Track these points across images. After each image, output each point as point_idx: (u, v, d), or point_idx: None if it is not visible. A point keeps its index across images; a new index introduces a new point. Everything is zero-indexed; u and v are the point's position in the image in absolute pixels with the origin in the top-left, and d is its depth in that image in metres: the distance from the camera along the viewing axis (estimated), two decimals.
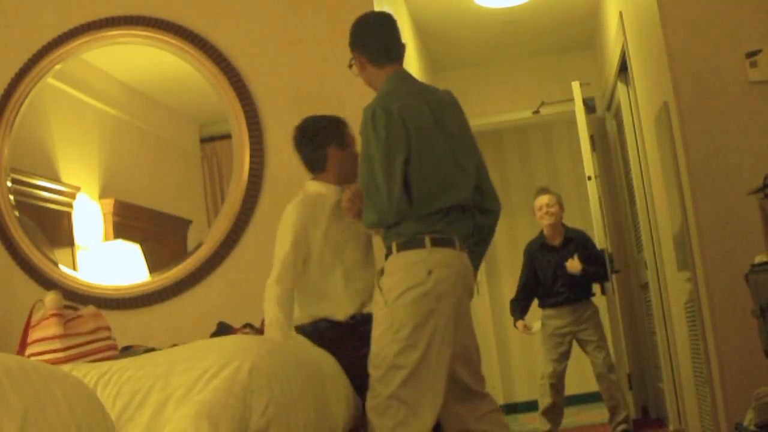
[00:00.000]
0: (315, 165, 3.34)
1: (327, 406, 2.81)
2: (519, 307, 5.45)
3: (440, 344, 2.89)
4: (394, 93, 3.02)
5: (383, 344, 2.91)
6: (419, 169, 2.94)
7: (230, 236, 4.01)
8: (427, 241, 2.91)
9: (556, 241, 5.41)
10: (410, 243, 2.92)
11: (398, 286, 2.90)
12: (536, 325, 5.39)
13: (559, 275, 5.31)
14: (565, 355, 5.35)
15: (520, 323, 5.39)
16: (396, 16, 4.91)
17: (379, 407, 2.90)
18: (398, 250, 2.94)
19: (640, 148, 5.01)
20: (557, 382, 5.30)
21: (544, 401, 5.31)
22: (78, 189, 4.15)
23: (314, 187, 3.32)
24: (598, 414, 6.47)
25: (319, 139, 3.33)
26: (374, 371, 2.93)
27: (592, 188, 5.85)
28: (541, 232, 5.51)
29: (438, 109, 3.04)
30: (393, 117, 2.93)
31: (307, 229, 3.21)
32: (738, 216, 3.57)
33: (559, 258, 5.34)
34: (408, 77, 3.14)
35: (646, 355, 6.27)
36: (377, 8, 4.08)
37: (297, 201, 3.28)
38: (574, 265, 5.26)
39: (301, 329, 3.23)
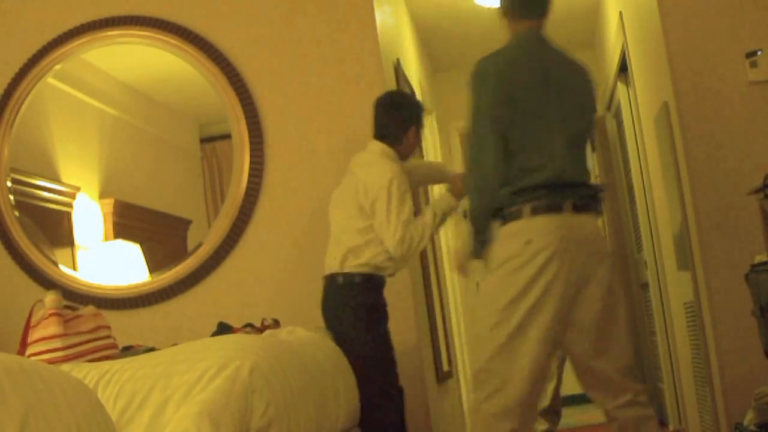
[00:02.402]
0: (394, 135, 3.41)
1: (327, 405, 2.81)
2: None
3: (543, 316, 2.70)
4: (509, 51, 2.90)
5: (480, 316, 2.82)
6: (525, 137, 2.79)
7: (230, 236, 4.00)
8: (526, 210, 2.76)
9: None
10: (509, 214, 2.78)
11: (496, 258, 2.79)
12: None
13: None
14: (563, 357, 5.35)
15: None
16: (396, 16, 4.93)
17: (474, 380, 2.81)
18: (501, 221, 2.82)
19: (640, 148, 5.01)
20: (555, 383, 5.31)
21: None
22: (78, 189, 4.14)
23: (390, 151, 3.39)
24: (598, 414, 6.46)
25: (410, 115, 3.44)
26: (473, 343, 2.87)
27: None
28: None
29: (556, 78, 2.86)
30: (503, 75, 2.81)
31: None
32: (738, 216, 3.57)
33: None
34: (535, 38, 2.97)
35: (646, 355, 6.27)
36: (377, 8, 4.09)
37: (389, 165, 3.31)
38: None
39: (357, 276, 3.28)
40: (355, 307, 3.26)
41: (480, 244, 2.88)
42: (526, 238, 2.73)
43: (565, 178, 2.81)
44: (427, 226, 3.28)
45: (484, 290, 2.88)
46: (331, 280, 3.32)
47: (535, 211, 2.75)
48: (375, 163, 3.32)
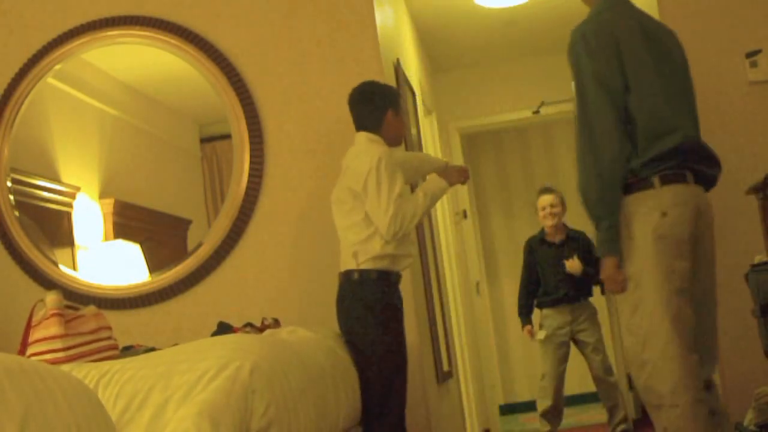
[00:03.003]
0: (370, 124, 3.40)
1: (327, 405, 2.81)
2: (525, 308, 5.48)
3: (688, 292, 2.63)
4: (606, 13, 2.76)
5: (632, 309, 2.66)
6: (646, 99, 2.65)
7: (230, 236, 4.00)
8: (655, 180, 2.63)
9: (557, 238, 5.44)
10: (634, 185, 2.65)
11: (632, 238, 2.64)
12: (540, 334, 5.41)
13: (557, 271, 5.33)
14: (564, 357, 5.37)
15: (527, 328, 5.42)
16: (396, 17, 4.93)
17: (642, 383, 2.64)
18: (624, 194, 2.66)
19: None
20: (557, 384, 5.31)
21: (544, 403, 5.32)
22: (78, 189, 4.14)
23: (374, 137, 3.38)
24: (598, 414, 6.47)
25: (380, 100, 3.41)
26: (631, 340, 2.67)
27: None
28: (542, 229, 5.54)
29: (655, 37, 2.75)
30: (605, 37, 2.66)
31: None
32: (738, 216, 3.57)
33: (558, 254, 5.37)
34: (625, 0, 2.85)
35: None
36: (377, 8, 4.09)
37: (376, 148, 3.30)
38: (573, 265, 5.26)
39: (371, 273, 3.26)
40: (369, 303, 3.24)
41: (612, 230, 2.66)
42: (661, 209, 2.62)
43: (696, 141, 2.72)
44: (419, 206, 3.26)
45: (632, 273, 2.66)
46: (346, 277, 3.31)
47: (664, 181, 2.64)
48: (363, 150, 3.33)
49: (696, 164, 2.71)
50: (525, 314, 5.47)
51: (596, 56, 2.66)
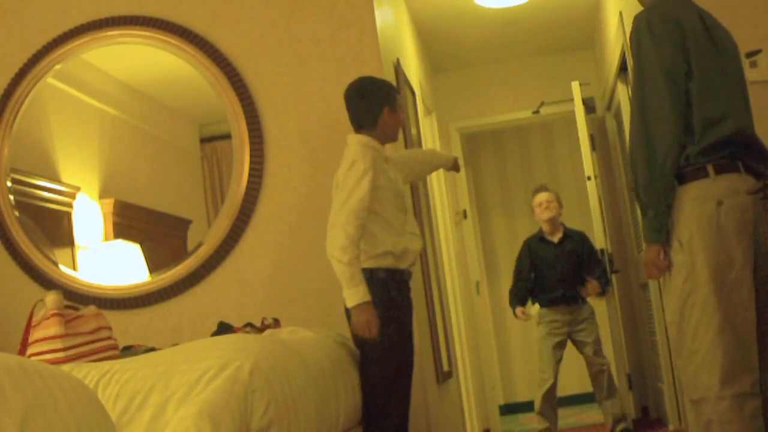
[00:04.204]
0: (366, 121, 3.35)
1: (327, 405, 2.81)
2: (517, 296, 5.50)
3: (748, 286, 2.58)
4: (668, 1, 2.74)
5: (682, 299, 2.61)
6: (704, 87, 2.64)
7: (230, 236, 4.01)
8: (710, 169, 2.60)
9: (555, 237, 5.47)
10: (689, 174, 2.61)
11: (686, 227, 2.60)
12: (534, 309, 5.43)
13: (556, 270, 5.37)
14: (560, 356, 5.40)
15: (519, 309, 5.43)
16: (396, 16, 4.93)
17: (689, 374, 2.60)
18: (679, 183, 2.62)
19: None
20: (551, 378, 5.35)
21: (538, 401, 5.36)
22: (78, 189, 4.15)
23: (366, 139, 3.33)
24: (598, 414, 6.47)
25: (376, 97, 3.37)
26: (676, 331, 2.64)
27: (592, 188, 5.86)
28: (540, 228, 5.56)
29: (713, 30, 2.72)
30: (671, 23, 2.63)
31: (377, 175, 3.24)
32: None
33: (556, 253, 5.40)
34: None
35: (646, 355, 6.27)
36: (377, 8, 4.09)
37: (361, 151, 3.26)
38: (592, 289, 5.32)
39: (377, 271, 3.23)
40: (374, 302, 3.23)
41: (657, 219, 2.62)
42: (716, 199, 2.59)
43: (749, 133, 2.70)
44: (351, 263, 3.10)
45: (685, 262, 2.62)
46: None
47: (718, 170, 2.61)
48: (348, 153, 3.31)
49: (746, 157, 2.69)
50: (517, 300, 5.47)
51: (661, 42, 2.65)
